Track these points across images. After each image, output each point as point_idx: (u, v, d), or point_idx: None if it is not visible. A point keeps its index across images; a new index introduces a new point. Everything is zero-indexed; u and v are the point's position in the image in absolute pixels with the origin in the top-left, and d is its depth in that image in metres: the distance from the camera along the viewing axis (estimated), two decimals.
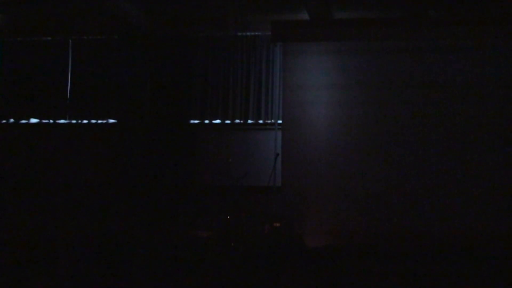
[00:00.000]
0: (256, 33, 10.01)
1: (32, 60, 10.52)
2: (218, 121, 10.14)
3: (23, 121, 10.57)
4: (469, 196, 8.74)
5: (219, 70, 10.14)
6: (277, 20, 9.37)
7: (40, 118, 10.52)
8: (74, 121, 10.46)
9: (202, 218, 8.64)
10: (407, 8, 9.12)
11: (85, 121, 10.42)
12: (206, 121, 10.17)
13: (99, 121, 10.39)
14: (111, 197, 9.69)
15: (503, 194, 8.67)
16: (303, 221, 8.98)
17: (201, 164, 9.90)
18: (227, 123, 10.09)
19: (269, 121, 9.89)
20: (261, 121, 10.00)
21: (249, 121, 10.03)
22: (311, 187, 9.11)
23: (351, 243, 8.76)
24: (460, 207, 8.72)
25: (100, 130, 10.30)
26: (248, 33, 10.05)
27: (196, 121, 10.18)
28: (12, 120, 10.61)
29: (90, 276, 5.33)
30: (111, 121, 10.32)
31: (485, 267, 7.54)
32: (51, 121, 10.50)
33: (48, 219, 9.56)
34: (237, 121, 10.08)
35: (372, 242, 8.77)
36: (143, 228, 8.94)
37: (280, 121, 9.47)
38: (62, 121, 10.48)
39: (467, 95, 8.92)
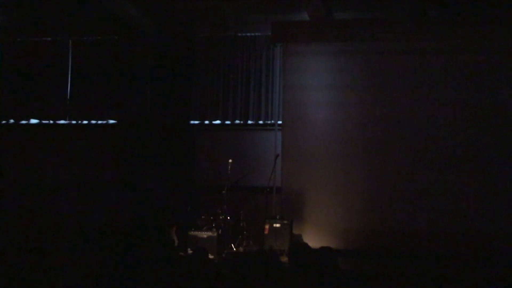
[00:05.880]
0: (256, 34, 10.02)
1: (32, 60, 10.48)
2: (218, 121, 10.14)
3: (23, 122, 10.57)
4: (471, 195, 8.73)
5: (219, 70, 10.14)
6: (277, 21, 9.40)
7: (40, 119, 10.53)
8: (74, 122, 10.45)
9: (202, 219, 8.62)
10: (407, 9, 9.10)
11: (85, 122, 10.42)
12: (206, 122, 10.18)
13: (99, 122, 10.39)
14: (110, 197, 9.70)
15: (505, 194, 8.67)
16: (303, 221, 9.00)
17: (201, 165, 9.92)
18: (227, 124, 10.10)
19: (269, 122, 9.90)
20: (261, 122, 9.99)
21: (249, 122, 10.03)
22: (311, 188, 9.13)
23: (351, 243, 8.76)
24: (461, 207, 8.71)
25: (100, 130, 10.30)
26: (248, 34, 10.06)
27: (196, 122, 10.19)
28: (12, 120, 10.61)
29: (89, 275, 5.33)
30: (111, 121, 10.32)
31: (486, 267, 7.58)
32: (51, 121, 10.50)
33: (48, 219, 9.58)
34: (237, 121, 10.08)
35: (372, 242, 8.78)
36: (143, 228, 8.98)
37: (280, 122, 9.48)
38: (62, 121, 10.48)
39: (468, 95, 8.92)
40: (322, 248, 5.22)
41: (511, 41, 8.85)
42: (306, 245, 5.44)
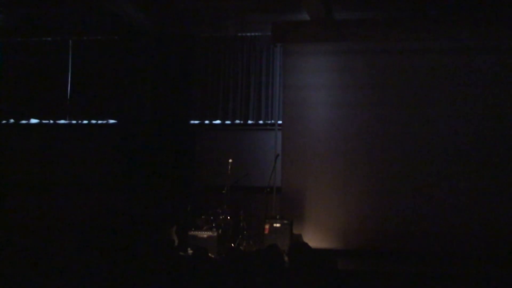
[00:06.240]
0: (256, 34, 10.02)
1: (32, 60, 10.50)
2: (218, 121, 10.15)
3: (23, 122, 10.59)
4: (470, 196, 8.73)
5: (219, 70, 10.14)
6: (277, 21, 9.41)
7: (40, 119, 10.54)
8: (74, 122, 10.45)
9: (202, 219, 8.65)
10: (407, 9, 9.16)
11: (85, 122, 10.44)
12: (206, 122, 10.18)
13: (99, 122, 10.41)
14: (110, 197, 9.71)
15: (504, 194, 8.67)
16: (303, 221, 9.03)
17: (201, 165, 9.93)
18: (227, 124, 10.12)
19: (269, 122, 9.91)
20: (261, 122, 9.99)
21: (249, 122, 10.03)
22: (311, 187, 9.15)
23: (351, 243, 8.80)
24: (461, 207, 8.71)
25: (100, 130, 10.33)
26: (248, 34, 10.06)
27: (196, 122, 10.20)
28: (12, 120, 10.61)
29: (90, 276, 5.32)
30: (111, 121, 10.34)
31: (487, 267, 7.59)
32: (51, 121, 10.51)
33: (48, 219, 9.57)
34: (237, 121, 10.08)
35: (373, 242, 8.78)
36: (143, 227, 8.93)
37: (280, 122, 9.50)
38: (62, 121, 10.50)
39: (468, 95, 8.92)
40: (321, 250, 5.26)
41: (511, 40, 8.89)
42: (306, 245, 5.46)
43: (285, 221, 8.52)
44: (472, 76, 8.92)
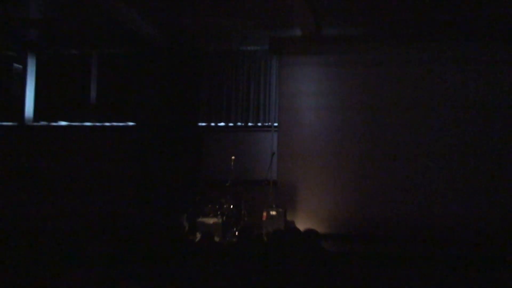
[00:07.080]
0: (256, 48, 10.41)
1: (62, 70, 10.90)
2: (222, 123, 10.52)
3: (54, 124, 10.97)
4: (465, 190, 9.11)
5: (224, 79, 10.46)
6: (274, 36, 9.83)
7: (69, 121, 10.91)
8: (98, 124, 10.83)
9: (209, 208, 8.92)
10: (386, 25, 9.39)
11: (107, 124, 10.79)
12: (212, 124, 10.53)
13: (120, 124, 10.74)
14: (130, 190, 10.10)
15: (501, 189, 9.05)
16: (295, 209, 9.50)
17: (208, 161, 10.23)
18: (230, 126, 10.46)
19: (266, 124, 10.28)
20: (259, 124, 10.38)
21: (249, 124, 10.42)
22: (303, 181, 9.57)
23: (337, 228, 9.24)
24: (456, 200, 9.12)
25: (120, 132, 10.66)
26: (249, 48, 10.47)
27: (203, 124, 10.55)
28: (43, 122, 11.01)
29: (99, 270, 5.26)
30: (130, 124, 10.71)
31: (482, 261, 7.50)
32: (78, 123, 10.86)
33: (76, 216, 9.58)
34: (239, 123, 10.47)
35: (357, 227, 9.22)
36: (158, 216, 9.26)
37: (276, 124, 9.92)
38: (87, 123, 10.87)
39: (455, 100, 9.31)
40: (308, 230, 5.52)
41: (502, 53, 9.22)
42: (297, 229, 5.91)
43: (280, 210, 8.92)
44: (460, 83, 9.26)
